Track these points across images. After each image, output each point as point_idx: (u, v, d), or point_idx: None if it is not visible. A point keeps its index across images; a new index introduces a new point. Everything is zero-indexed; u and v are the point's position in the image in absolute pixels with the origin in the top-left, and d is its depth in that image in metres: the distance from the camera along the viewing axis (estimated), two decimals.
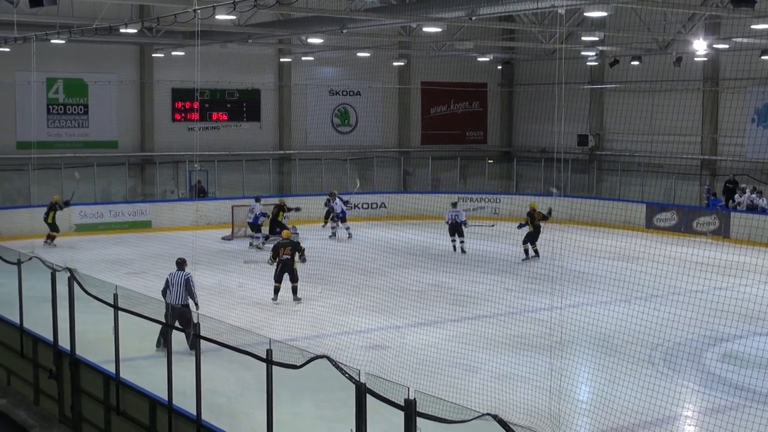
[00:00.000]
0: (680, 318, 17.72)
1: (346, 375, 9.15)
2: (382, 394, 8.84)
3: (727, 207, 33.04)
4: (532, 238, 26.80)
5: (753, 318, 18.58)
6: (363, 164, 40.14)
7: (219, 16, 19.34)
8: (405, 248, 27.16)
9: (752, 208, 32.11)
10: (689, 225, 33.04)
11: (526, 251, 26.77)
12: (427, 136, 42.91)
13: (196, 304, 16.45)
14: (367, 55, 36.45)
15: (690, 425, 13.58)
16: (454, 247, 28.56)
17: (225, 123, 38.16)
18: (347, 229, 30.95)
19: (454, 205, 29.72)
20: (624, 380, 14.24)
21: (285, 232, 22.34)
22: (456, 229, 28.58)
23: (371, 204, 37.09)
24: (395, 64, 40.41)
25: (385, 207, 36.93)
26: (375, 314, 19.25)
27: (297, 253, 20.85)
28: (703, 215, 33.23)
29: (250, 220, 30.04)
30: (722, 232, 31.87)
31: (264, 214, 30.07)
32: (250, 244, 29.63)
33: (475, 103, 44.42)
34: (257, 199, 30.82)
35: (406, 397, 8.45)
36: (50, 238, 29.39)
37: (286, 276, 20.74)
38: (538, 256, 26.57)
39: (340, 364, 9.37)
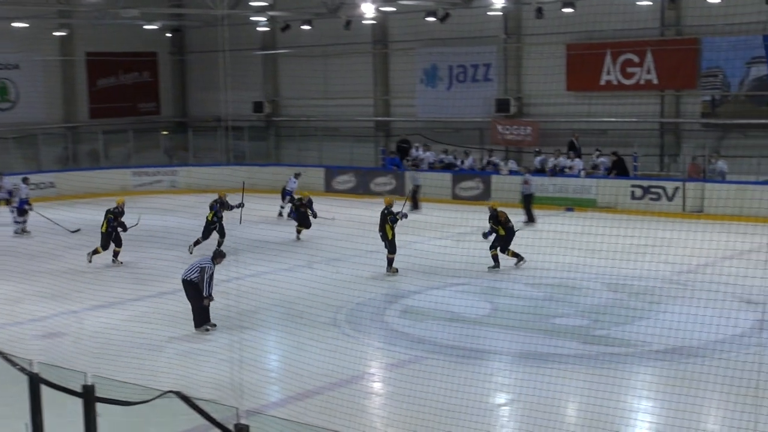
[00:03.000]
0: (361, 279, 18.50)
1: (17, 367, 8.87)
2: (58, 383, 8.65)
3: (402, 167, 34.61)
4: (504, 243, 21.56)
5: (426, 273, 19.66)
6: (27, 142, 38.34)
7: None
8: (76, 228, 26.30)
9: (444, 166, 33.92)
10: (367, 186, 34.34)
11: (495, 257, 21.38)
12: (96, 109, 41.61)
13: (208, 296, 16.15)
14: (25, 25, 34.83)
15: (376, 382, 14.23)
16: (281, 212, 29.15)
17: None
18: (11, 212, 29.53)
19: (297, 175, 30.27)
20: (311, 345, 14.69)
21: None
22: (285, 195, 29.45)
23: (39, 184, 35.55)
24: (56, 34, 38.83)
25: (53, 186, 35.52)
26: (49, 301, 18.58)
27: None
28: (380, 176, 34.66)
29: (17, 204, 27.70)
30: (399, 192, 33.36)
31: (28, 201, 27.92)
32: (15, 231, 27.36)
33: (145, 73, 43.61)
34: (24, 180, 28.63)
35: (84, 383, 8.31)
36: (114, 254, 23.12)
37: None
38: (523, 260, 21.46)
39: (9, 356, 9.05)
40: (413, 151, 35.32)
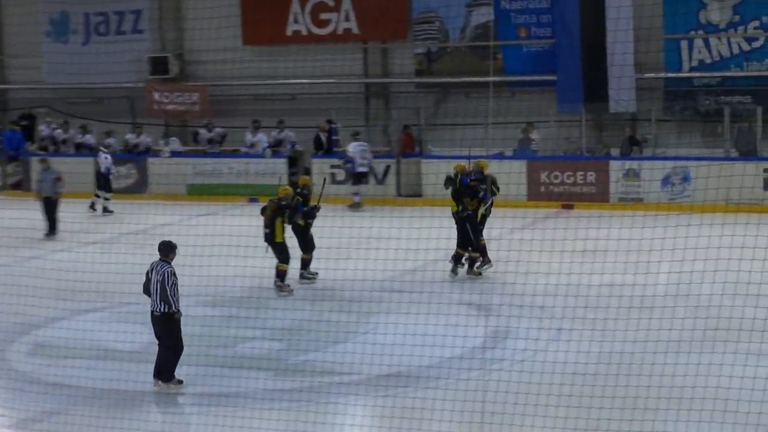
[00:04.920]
0: None
1: None
2: None
3: (25, 152, 33.73)
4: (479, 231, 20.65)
5: (61, 296, 19.04)
6: None
7: None
8: None
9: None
10: None
11: (483, 249, 20.52)
12: None
13: (176, 311, 14.67)
14: None
15: None
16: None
17: None
18: None
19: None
20: None
21: None
22: None
23: None
24: None
25: None
26: None
27: None
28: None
29: None
30: (24, 186, 32.58)
31: None
32: None
33: None
34: None
35: None
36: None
37: None
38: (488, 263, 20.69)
39: None
40: (43, 130, 34.49)
